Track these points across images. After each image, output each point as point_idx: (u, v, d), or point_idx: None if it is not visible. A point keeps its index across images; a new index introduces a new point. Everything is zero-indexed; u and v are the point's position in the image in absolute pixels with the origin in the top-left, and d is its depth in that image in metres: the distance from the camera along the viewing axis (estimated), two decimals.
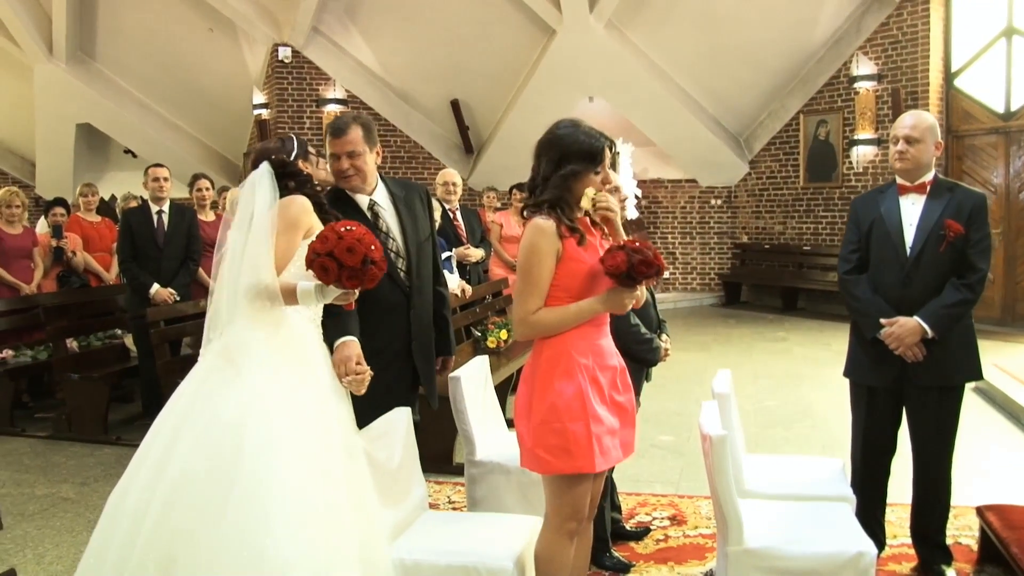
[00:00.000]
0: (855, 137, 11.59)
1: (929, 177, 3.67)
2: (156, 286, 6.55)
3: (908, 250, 3.66)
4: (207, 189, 7.32)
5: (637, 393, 3.92)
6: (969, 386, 7.45)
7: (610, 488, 4.07)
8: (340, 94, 13.03)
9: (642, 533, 4.28)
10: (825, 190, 12.10)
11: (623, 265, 2.74)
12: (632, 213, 13.59)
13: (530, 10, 11.57)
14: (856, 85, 11.55)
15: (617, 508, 4.28)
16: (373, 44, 12.91)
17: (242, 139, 14.31)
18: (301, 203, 3.08)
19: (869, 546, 3.04)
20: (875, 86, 11.44)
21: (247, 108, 13.46)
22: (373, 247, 2.74)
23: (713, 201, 13.49)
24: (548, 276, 2.80)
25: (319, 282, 2.79)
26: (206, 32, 13.07)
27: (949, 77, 11.18)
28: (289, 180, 3.16)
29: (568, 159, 2.85)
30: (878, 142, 11.44)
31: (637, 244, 2.82)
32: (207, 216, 7.26)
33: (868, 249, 3.78)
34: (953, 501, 4.08)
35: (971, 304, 3.67)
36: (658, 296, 13.62)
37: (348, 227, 2.75)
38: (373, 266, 2.74)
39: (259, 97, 13.26)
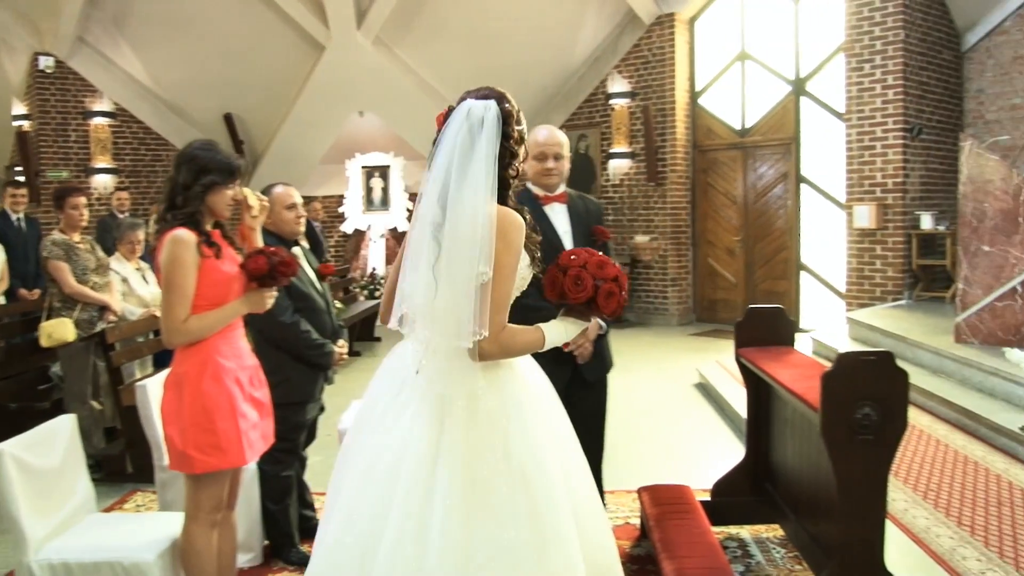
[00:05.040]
0: (611, 151, 12.29)
1: (563, 188, 3.99)
2: None
3: None
4: None
5: (314, 397, 4.16)
6: (691, 381, 8.19)
7: (298, 487, 4.28)
8: (108, 107, 12.63)
9: None
10: None
11: (265, 266, 3.07)
12: (404, 225, 13.91)
13: (299, 26, 11.65)
14: (612, 102, 12.24)
15: (310, 506, 4.47)
16: (143, 56, 12.59)
17: (2, 151, 13.63)
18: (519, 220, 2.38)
19: None
20: (629, 103, 12.17)
21: (7, 119, 12.82)
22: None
23: None
24: (193, 285, 3.01)
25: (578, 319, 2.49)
26: None
27: (694, 96, 12.06)
28: None
29: (209, 171, 3.08)
30: (632, 155, 12.19)
31: (272, 249, 3.16)
32: None
33: None
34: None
35: None
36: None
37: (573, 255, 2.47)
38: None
39: (19, 108, 12.65)
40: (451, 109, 2.40)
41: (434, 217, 2.29)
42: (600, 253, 2.47)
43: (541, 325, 2.42)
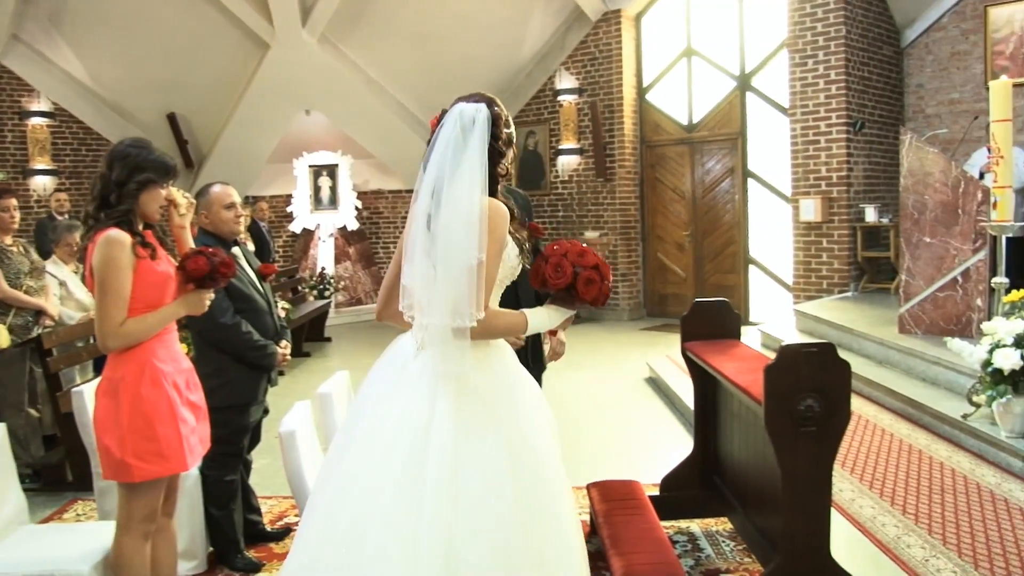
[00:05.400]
0: (560, 147, 12.32)
1: None
2: None
3: None
4: None
5: (257, 400, 4.09)
6: (642, 376, 8.20)
7: (242, 491, 4.21)
8: (46, 106, 12.29)
9: (282, 533, 4.42)
10: (535, 197, 12.72)
11: (205, 267, 3.00)
12: (352, 224, 13.73)
13: (243, 24, 11.45)
14: (560, 98, 12.27)
15: (256, 511, 4.40)
16: (82, 55, 12.27)
17: None
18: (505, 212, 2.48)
19: None
20: (577, 99, 12.20)
21: None
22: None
23: None
24: (129, 287, 2.93)
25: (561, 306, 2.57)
26: None
27: (641, 92, 12.11)
28: None
29: (143, 169, 3.00)
30: (580, 151, 12.22)
31: (212, 250, 3.09)
32: None
33: None
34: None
35: None
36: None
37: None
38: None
39: None
40: (444, 113, 2.52)
41: (428, 208, 2.41)
42: (583, 244, 2.56)
43: (525, 310, 2.52)
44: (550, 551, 2.35)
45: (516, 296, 3.77)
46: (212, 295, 3.15)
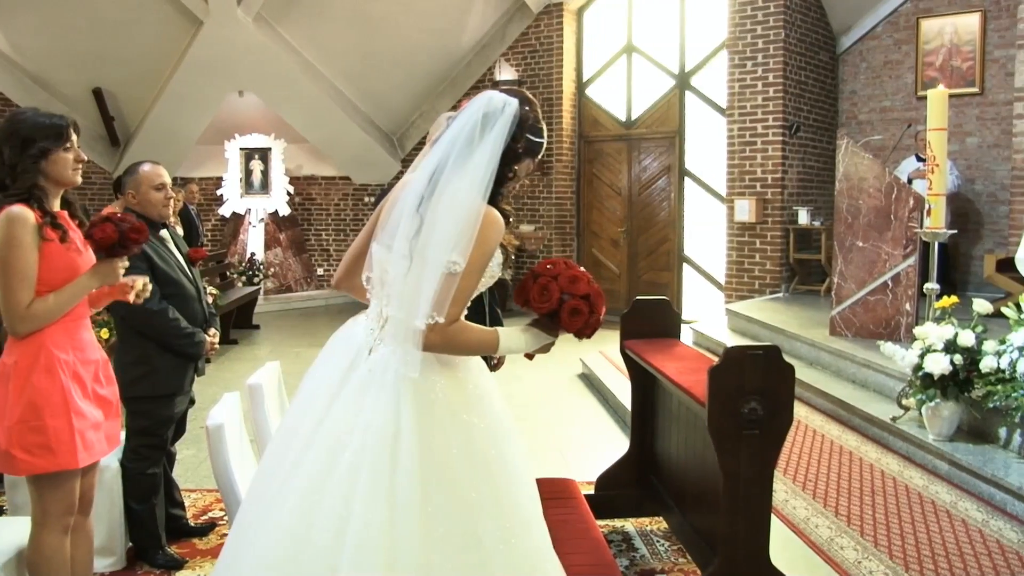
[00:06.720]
0: None
1: None
2: None
3: None
4: None
5: (183, 390, 3.92)
6: (574, 372, 8.17)
7: (165, 485, 4.04)
8: None
9: (206, 528, 4.27)
10: None
11: (114, 234, 2.82)
12: (284, 210, 13.43)
13: None
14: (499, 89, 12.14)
15: (179, 505, 4.24)
16: (2, 23, 11.76)
17: None
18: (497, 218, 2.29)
19: None
20: None
21: None
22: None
23: (366, 199, 13.51)
24: (34, 266, 2.75)
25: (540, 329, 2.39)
26: None
27: (581, 86, 12.10)
28: None
29: (34, 139, 2.80)
30: None
31: (120, 215, 2.92)
32: None
33: None
34: None
35: None
36: (312, 293, 13.32)
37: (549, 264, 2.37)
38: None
39: None
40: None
41: (422, 189, 2.25)
42: (580, 268, 2.38)
43: (499, 328, 2.34)
44: (526, 564, 2.26)
45: (482, 306, 3.70)
46: (125, 263, 2.95)
